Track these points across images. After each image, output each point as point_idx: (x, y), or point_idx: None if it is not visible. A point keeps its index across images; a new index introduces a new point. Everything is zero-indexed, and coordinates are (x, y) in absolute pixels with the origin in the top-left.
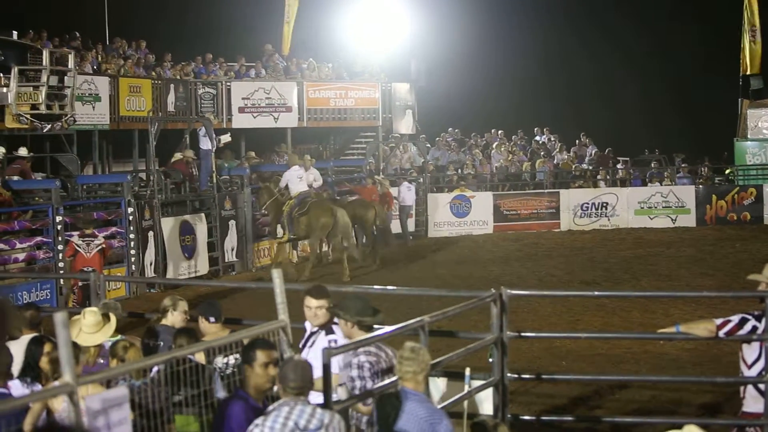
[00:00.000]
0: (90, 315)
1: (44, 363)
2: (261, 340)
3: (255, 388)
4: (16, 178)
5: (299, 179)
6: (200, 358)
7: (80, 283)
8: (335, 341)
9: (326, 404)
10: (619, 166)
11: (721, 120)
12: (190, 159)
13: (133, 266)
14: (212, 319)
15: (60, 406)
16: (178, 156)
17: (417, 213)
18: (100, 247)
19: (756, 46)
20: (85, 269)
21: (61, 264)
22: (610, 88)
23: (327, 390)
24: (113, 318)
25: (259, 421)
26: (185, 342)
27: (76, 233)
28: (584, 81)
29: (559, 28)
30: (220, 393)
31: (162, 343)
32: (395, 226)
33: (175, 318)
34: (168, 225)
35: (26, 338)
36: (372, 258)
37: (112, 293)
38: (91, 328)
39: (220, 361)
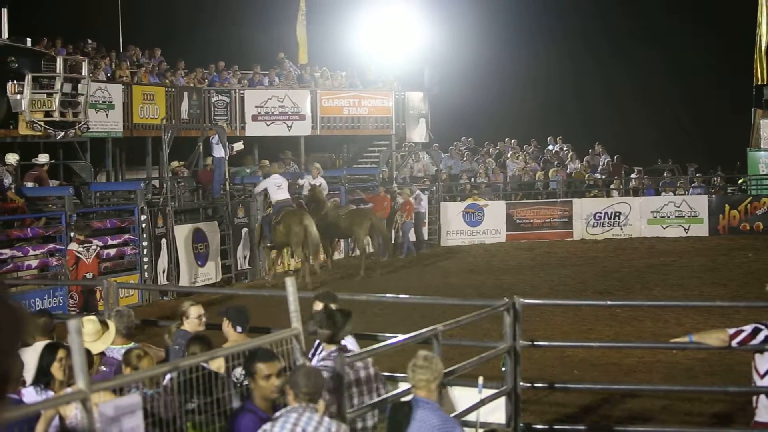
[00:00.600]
0: (89, 323)
1: (56, 369)
2: (262, 352)
3: (262, 399)
4: (31, 184)
5: (278, 187)
6: (217, 365)
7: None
8: (339, 350)
9: (339, 412)
10: (633, 175)
11: (734, 130)
12: (177, 168)
13: (146, 274)
14: (239, 329)
15: (71, 412)
16: (209, 160)
17: (429, 222)
18: (96, 252)
19: None
20: (87, 275)
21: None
22: (624, 97)
23: (340, 397)
24: (112, 326)
25: (267, 426)
26: (198, 350)
27: (74, 242)
28: (597, 90)
29: (571, 38)
30: (236, 403)
31: (178, 347)
32: (412, 235)
33: (191, 323)
34: (181, 232)
35: (39, 345)
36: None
37: (125, 300)
38: (90, 337)
39: (238, 371)
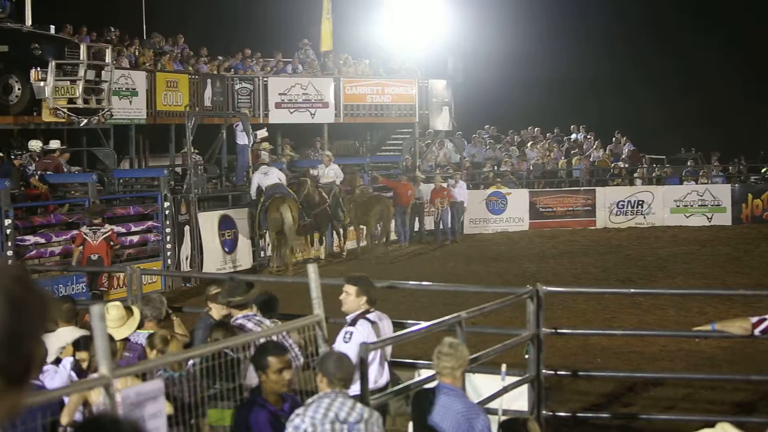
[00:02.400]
0: (114, 309)
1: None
2: (272, 345)
3: (271, 393)
4: (49, 172)
5: (264, 175)
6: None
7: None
8: (350, 333)
9: (363, 396)
10: (649, 164)
11: (758, 119)
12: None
13: (169, 260)
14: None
15: (98, 398)
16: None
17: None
18: (106, 235)
19: None
20: (92, 257)
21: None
22: (648, 85)
23: (364, 383)
24: (137, 311)
25: (300, 410)
26: (221, 336)
27: (85, 224)
28: (621, 79)
29: (595, 26)
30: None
31: (201, 332)
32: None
33: (216, 309)
34: (207, 219)
35: (62, 331)
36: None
37: (148, 287)
38: (115, 323)
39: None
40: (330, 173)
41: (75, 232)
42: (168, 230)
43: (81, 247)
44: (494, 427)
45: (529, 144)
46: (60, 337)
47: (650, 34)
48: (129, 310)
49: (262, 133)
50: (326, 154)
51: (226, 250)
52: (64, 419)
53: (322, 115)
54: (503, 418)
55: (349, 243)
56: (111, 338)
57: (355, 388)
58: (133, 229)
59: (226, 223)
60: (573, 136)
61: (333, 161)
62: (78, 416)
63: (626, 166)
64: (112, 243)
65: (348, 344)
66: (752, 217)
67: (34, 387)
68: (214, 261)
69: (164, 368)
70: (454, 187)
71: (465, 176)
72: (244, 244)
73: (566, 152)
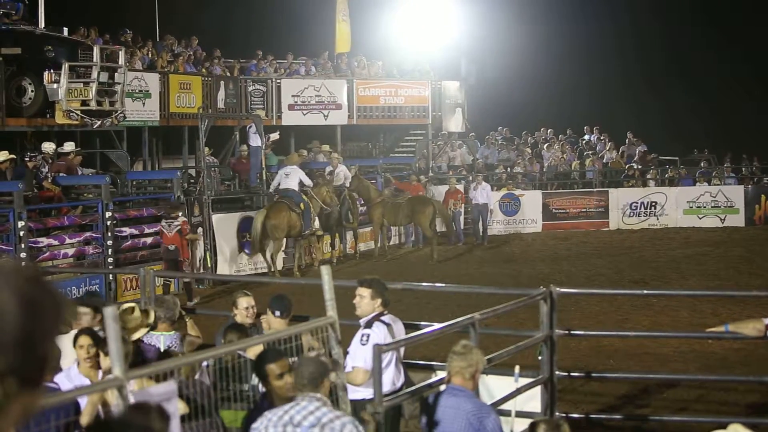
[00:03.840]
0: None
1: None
2: (270, 353)
3: (279, 399)
4: (62, 174)
5: (285, 176)
6: (253, 354)
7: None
8: (367, 336)
9: (376, 397)
10: (659, 165)
11: None
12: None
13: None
14: (277, 313)
15: (115, 400)
16: (244, 148)
17: (465, 211)
18: (178, 227)
19: None
20: (169, 247)
21: (110, 259)
22: (660, 87)
23: (377, 384)
24: (152, 313)
25: (266, 412)
26: (235, 338)
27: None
28: (634, 80)
29: (608, 27)
30: None
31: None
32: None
33: (239, 314)
34: (224, 221)
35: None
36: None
37: (161, 289)
38: (129, 324)
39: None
40: (339, 175)
41: (158, 227)
42: None
43: (161, 240)
44: (506, 429)
45: (545, 146)
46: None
47: (664, 35)
48: (145, 312)
49: (275, 135)
50: (334, 155)
51: (247, 252)
52: (84, 419)
53: (335, 116)
54: (517, 419)
55: (363, 245)
56: (125, 340)
57: (369, 392)
58: (147, 231)
59: (246, 225)
60: (586, 137)
61: (341, 163)
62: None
63: (639, 167)
64: (182, 234)
65: (366, 346)
66: (765, 219)
67: (47, 389)
68: (231, 263)
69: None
70: (476, 189)
71: (484, 177)
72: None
73: (579, 154)
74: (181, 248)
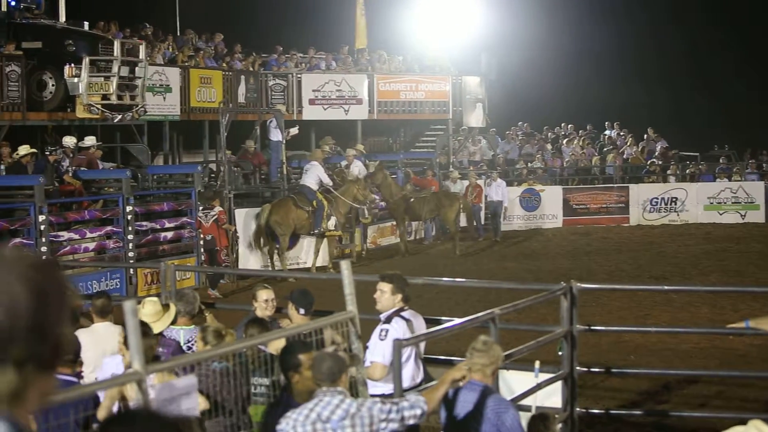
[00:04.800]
0: (149, 304)
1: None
2: (298, 344)
3: (301, 393)
4: (83, 168)
5: (305, 172)
6: (275, 348)
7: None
8: (386, 331)
9: (396, 392)
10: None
11: None
12: (252, 150)
13: (203, 256)
14: (302, 311)
15: (135, 394)
16: (250, 143)
17: (485, 206)
18: (215, 217)
19: None
20: (206, 237)
21: (131, 253)
22: (681, 83)
23: (396, 379)
24: (173, 307)
25: (289, 413)
26: (256, 332)
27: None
28: (654, 76)
29: (628, 23)
30: None
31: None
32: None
33: (259, 307)
34: (249, 216)
35: (97, 326)
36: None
37: (182, 283)
38: (150, 318)
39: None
40: (354, 170)
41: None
42: None
43: (199, 230)
44: (525, 423)
45: (565, 141)
46: (95, 332)
47: (684, 30)
48: (165, 306)
49: (294, 130)
50: (350, 151)
51: (277, 246)
52: (101, 413)
53: (355, 111)
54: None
55: (384, 239)
56: (147, 333)
57: (388, 387)
58: (167, 225)
59: None
60: (607, 132)
61: (356, 158)
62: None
63: (659, 163)
64: (219, 223)
65: (384, 341)
66: None
67: (65, 382)
68: (257, 257)
69: (218, 360)
70: (490, 186)
71: (500, 173)
72: (309, 242)
73: (600, 149)
74: (218, 238)
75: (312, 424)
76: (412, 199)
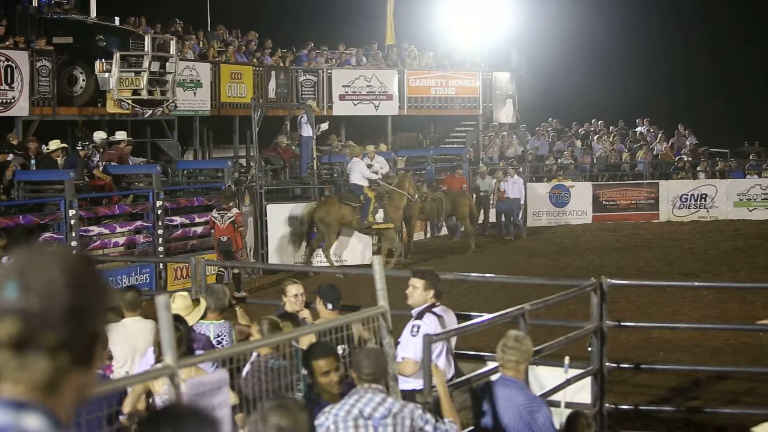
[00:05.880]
0: (179, 299)
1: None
2: (319, 347)
3: (326, 393)
4: (113, 163)
5: (350, 171)
6: (306, 343)
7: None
8: (418, 327)
9: (425, 388)
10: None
11: None
12: (284, 145)
13: (217, 257)
14: (329, 306)
15: (161, 388)
16: (283, 139)
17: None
18: (232, 218)
19: None
20: (222, 238)
21: (160, 248)
22: (711, 78)
23: (426, 375)
24: (203, 302)
25: (327, 408)
26: (287, 327)
27: (215, 209)
28: (684, 71)
29: (658, 18)
30: None
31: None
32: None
33: (288, 302)
34: (279, 211)
35: (128, 321)
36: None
37: (212, 278)
38: (180, 312)
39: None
40: (375, 167)
41: (209, 218)
42: None
43: (212, 231)
44: (556, 420)
45: (595, 137)
46: (125, 327)
47: (713, 26)
48: (196, 301)
49: (324, 125)
50: (370, 148)
51: (321, 244)
52: (127, 407)
53: (386, 107)
54: (567, 410)
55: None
56: (177, 328)
57: (419, 383)
58: (197, 220)
59: None
60: (638, 129)
61: (377, 155)
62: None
63: (689, 159)
64: (236, 225)
65: (416, 337)
66: None
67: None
68: (283, 253)
69: (273, 357)
70: (506, 182)
71: (528, 169)
72: (355, 240)
73: (630, 145)
74: (234, 240)
75: (354, 420)
76: (427, 200)
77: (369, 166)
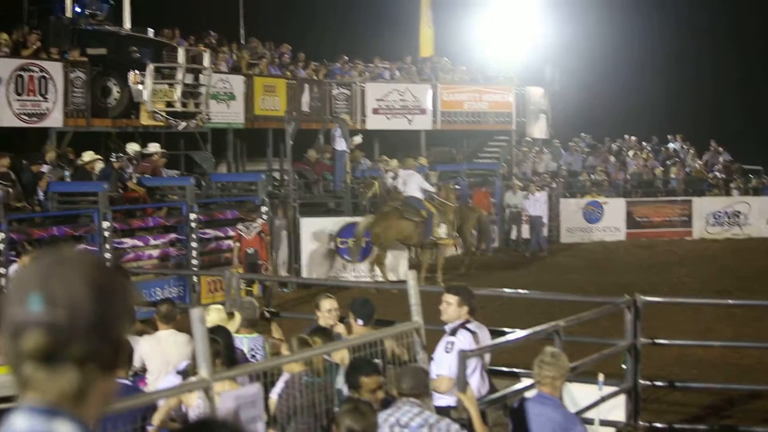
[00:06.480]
0: (213, 312)
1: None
2: (366, 364)
3: None
4: (146, 175)
5: (404, 183)
6: (339, 357)
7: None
8: (452, 343)
9: (459, 405)
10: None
11: None
12: (313, 159)
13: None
14: (360, 322)
15: (194, 401)
16: (312, 153)
17: (549, 218)
18: (258, 229)
19: None
20: (248, 250)
21: (194, 261)
22: (745, 95)
23: (461, 391)
24: (237, 316)
25: None
26: (320, 341)
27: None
28: (719, 88)
29: (693, 36)
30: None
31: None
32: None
33: (322, 316)
34: (315, 225)
35: (162, 333)
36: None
37: (244, 292)
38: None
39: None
40: (399, 181)
41: (234, 230)
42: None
43: (238, 243)
44: None
45: (630, 153)
46: (159, 340)
47: (747, 42)
48: (230, 315)
49: (357, 139)
50: (393, 162)
51: (347, 257)
52: (157, 419)
53: (419, 121)
54: (601, 428)
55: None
56: (213, 341)
57: (453, 399)
58: (230, 233)
59: (348, 231)
60: (671, 145)
61: (401, 169)
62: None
63: (723, 176)
64: (263, 235)
65: (450, 354)
66: None
67: (130, 389)
68: (318, 267)
69: (307, 374)
70: (528, 199)
71: (561, 185)
72: (395, 255)
73: (663, 161)
74: (260, 251)
75: (390, 428)
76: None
77: (393, 178)
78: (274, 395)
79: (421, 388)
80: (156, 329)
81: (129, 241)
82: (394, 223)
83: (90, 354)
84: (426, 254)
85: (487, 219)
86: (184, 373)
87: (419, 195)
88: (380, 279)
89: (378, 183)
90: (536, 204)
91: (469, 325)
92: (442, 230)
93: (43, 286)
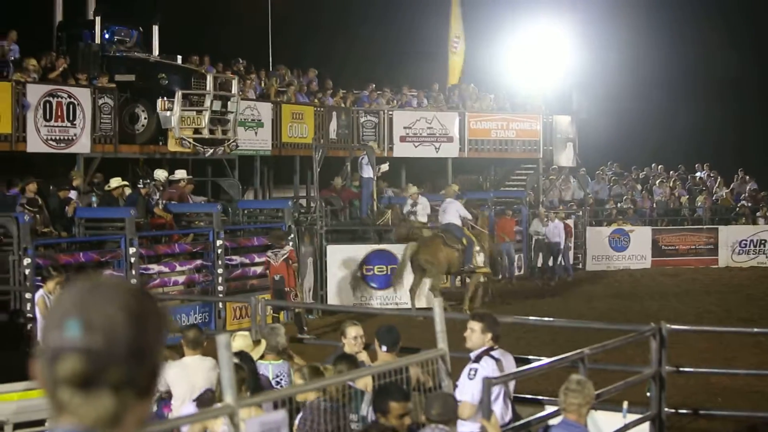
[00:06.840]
0: (239, 338)
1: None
2: (395, 390)
3: None
4: (173, 201)
5: (443, 211)
6: (363, 384)
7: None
8: (475, 370)
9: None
10: None
11: None
12: (339, 186)
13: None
14: (384, 348)
15: (219, 428)
16: (338, 180)
17: (575, 246)
18: (285, 256)
19: None
20: (275, 277)
21: (220, 288)
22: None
23: (486, 418)
24: (263, 342)
25: None
26: (345, 368)
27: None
28: (745, 116)
29: (720, 65)
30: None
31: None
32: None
33: (348, 343)
34: (342, 252)
35: (188, 359)
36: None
37: (270, 318)
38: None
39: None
40: (418, 209)
41: (264, 258)
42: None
43: (268, 271)
44: None
45: (657, 182)
46: (186, 366)
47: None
48: (256, 342)
49: (385, 166)
50: (411, 190)
51: (374, 285)
52: None
53: (446, 149)
54: None
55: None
56: (240, 367)
57: (476, 426)
58: (257, 259)
59: (378, 258)
60: (697, 174)
61: (420, 195)
62: None
63: (749, 205)
64: (290, 261)
65: (473, 381)
66: None
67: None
68: (344, 294)
69: (325, 400)
70: (547, 226)
71: (588, 213)
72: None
73: (689, 190)
74: (287, 277)
75: None
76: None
77: (413, 205)
78: (298, 422)
79: (449, 415)
80: (182, 355)
81: (155, 267)
82: (441, 250)
83: (126, 379)
84: (473, 281)
85: (496, 247)
86: (200, 401)
87: (457, 222)
88: (406, 305)
89: (392, 210)
90: (555, 230)
91: (493, 353)
92: (480, 258)
93: (80, 312)
